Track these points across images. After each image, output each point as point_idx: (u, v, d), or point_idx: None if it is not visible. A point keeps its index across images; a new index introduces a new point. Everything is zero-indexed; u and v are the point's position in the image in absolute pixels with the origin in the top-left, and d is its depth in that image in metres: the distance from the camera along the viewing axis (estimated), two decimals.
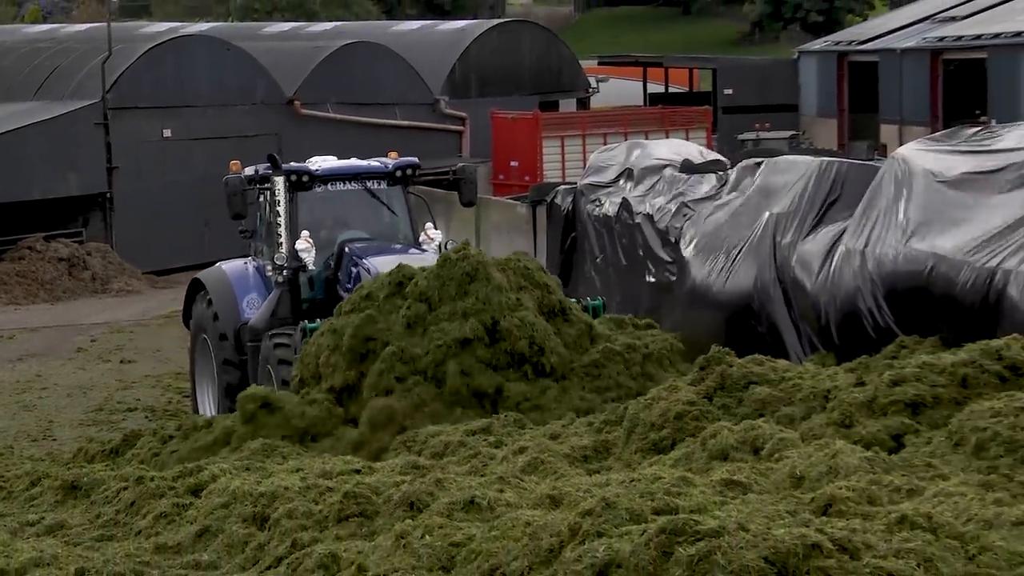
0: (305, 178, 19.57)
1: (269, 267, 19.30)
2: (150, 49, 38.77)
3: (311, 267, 18.79)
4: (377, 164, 20.53)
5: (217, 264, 20.93)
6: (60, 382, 24.18)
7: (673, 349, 16.65)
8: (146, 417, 21.16)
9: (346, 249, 18.83)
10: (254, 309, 19.25)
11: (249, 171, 20.12)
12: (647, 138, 37.24)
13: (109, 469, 13.63)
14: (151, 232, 36.84)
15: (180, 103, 37.96)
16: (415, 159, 21.08)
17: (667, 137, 40.10)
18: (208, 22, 61.63)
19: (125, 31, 47.03)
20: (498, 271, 15.90)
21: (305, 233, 19.04)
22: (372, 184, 20.16)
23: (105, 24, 41.52)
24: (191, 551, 9.18)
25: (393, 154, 20.87)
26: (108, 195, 36.90)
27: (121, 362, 25.90)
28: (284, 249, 18.92)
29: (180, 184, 37.65)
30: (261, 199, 20.11)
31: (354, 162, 20.59)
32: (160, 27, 53.39)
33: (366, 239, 19.50)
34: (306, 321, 17.75)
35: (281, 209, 19.09)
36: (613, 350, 15.90)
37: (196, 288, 20.55)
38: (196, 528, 9.47)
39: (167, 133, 37.74)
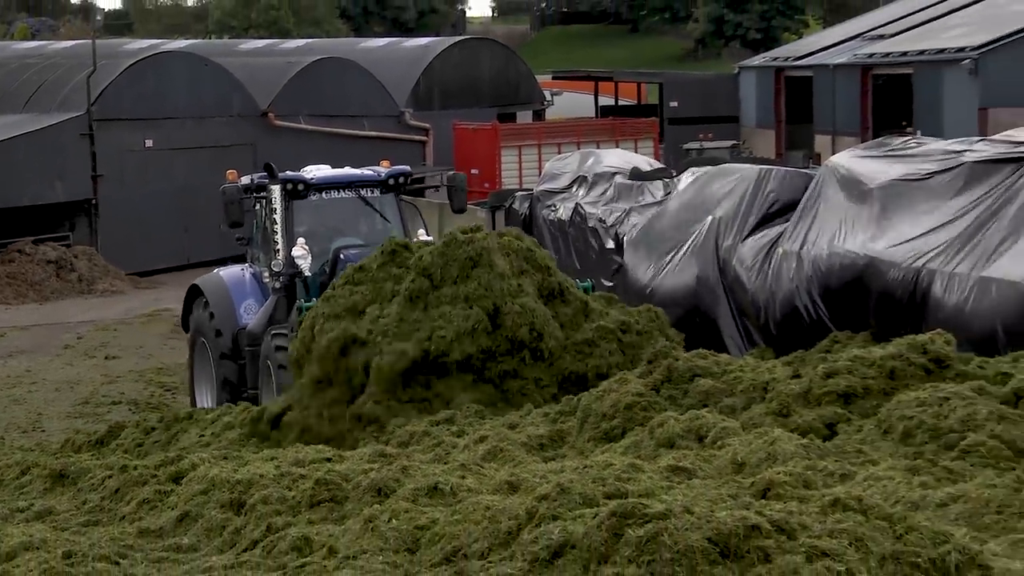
0: (301, 187, 19.14)
1: (266, 274, 18.97)
2: (132, 64, 38.64)
3: (307, 273, 18.30)
4: (370, 173, 20.14)
5: (215, 271, 20.53)
6: (48, 377, 24.07)
7: (660, 318, 16.12)
8: (129, 410, 21.07)
9: (341, 255, 18.35)
10: (251, 315, 18.92)
11: (245, 180, 19.64)
12: (599, 148, 37.27)
13: (95, 458, 13.54)
14: (134, 236, 36.72)
15: (161, 115, 37.85)
16: (407, 168, 20.80)
17: (617, 147, 40.13)
18: (187, 39, 61.43)
19: (109, 48, 46.80)
20: (501, 256, 15.40)
21: (301, 240, 18.58)
22: (365, 192, 19.75)
23: (90, 41, 41.35)
24: (172, 535, 9.14)
25: (385, 163, 20.54)
26: (93, 201, 36.78)
27: (106, 358, 25.80)
28: (281, 256, 18.50)
29: (161, 191, 37.57)
30: (257, 207, 19.61)
31: (348, 171, 20.20)
32: (142, 44, 53.19)
33: (360, 245, 18.86)
34: (302, 300, 17.48)
35: (278, 217, 18.69)
36: (606, 328, 15.32)
37: (194, 294, 20.12)
38: (177, 513, 9.43)
39: (149, 143, 37.63)
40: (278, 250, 18.56)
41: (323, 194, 19.43)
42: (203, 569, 7.83)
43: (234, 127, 39.30)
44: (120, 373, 24.23)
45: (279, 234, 18.62)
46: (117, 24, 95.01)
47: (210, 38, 72.55)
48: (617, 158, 27.30)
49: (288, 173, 19.42)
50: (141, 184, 37.38)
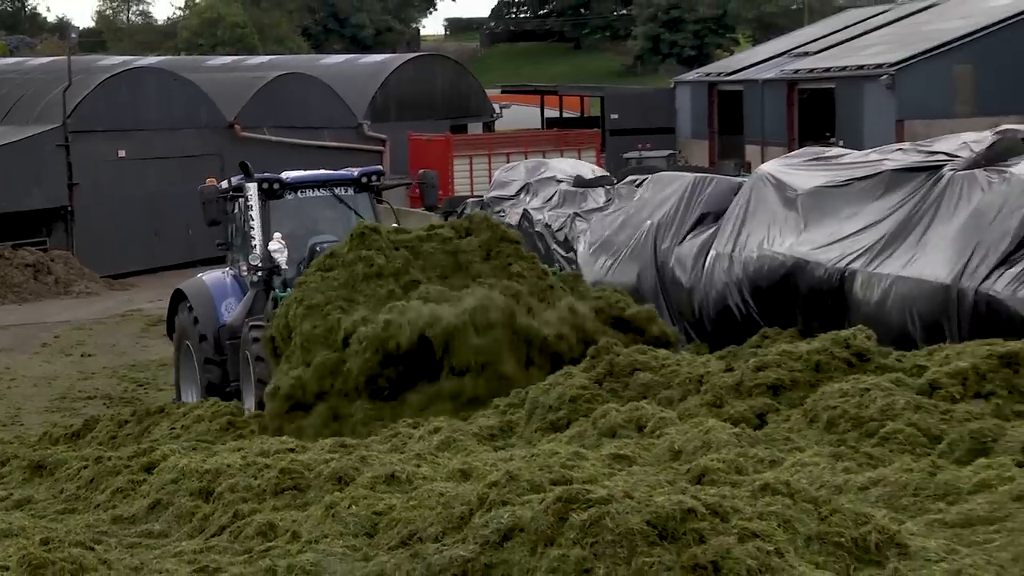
0: (276, 185, 18.56)
1: (244, 267, 18.35)
2: (106, 79, 38.44)
3: (284, 266, 17.70)
4: (344, 172, 19.60)
5: (198, 275, 19.87)
6: (27, 374, 23.87)
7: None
8: (104, 404, 20.92)
9: (317, 249, 17.49)
10: (232, 312, 18.34)
11: (226, 184, 19.14)
12: (544, 157, 37.32)
13: (71, 450, 13.46)
14: (108, 241, 36.52)
15: (133, 127, 37.68)
16: (380, 167, 20.27)
17: (562, 156, 40.19)
18: (158, 55, 61.05)
19: (84, 63, 46.46)
20: (483, 261, 15.50)
21: (277, 235, 17.99)
22: (340, 191, 19.09)
23: (66, 57, 41.09)
24: (144, 521, 9.09)
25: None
26: (69, 208, 36.61)
27: (81, 356, 25.62)
28: (258, 250, 17.90)
29: (133, 198, 37.40)
30: (236, 210, 18.98)
31: (322, 171, 19.79)
32: (115, 60, 52.82)
33: (335, 241, 17.69)
34: (276, 290, 17.08)
35: (254, 213, 18.10)
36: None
37: (178, 299, 19.45)
38: (149, 501, 9.39)
39: (122, 153, 37.43)
40: (255, 245, 17.99)
41: (298, 193, 18.89)
42: (174, 553, 7.78)
43: (202, 138, 39.15)
44: (95, 370, 24.07)
45: (256, 229, 18.05)
46: (91, 41, 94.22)
47: (179, 54, 72.11)
48: (562, 167, 27.36)
49: (264, 173, 18.91)
50: (114, 192, 37.17)
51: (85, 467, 11.51)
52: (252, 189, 18.20)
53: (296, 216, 18.78)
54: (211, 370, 18.09)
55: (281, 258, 17.74)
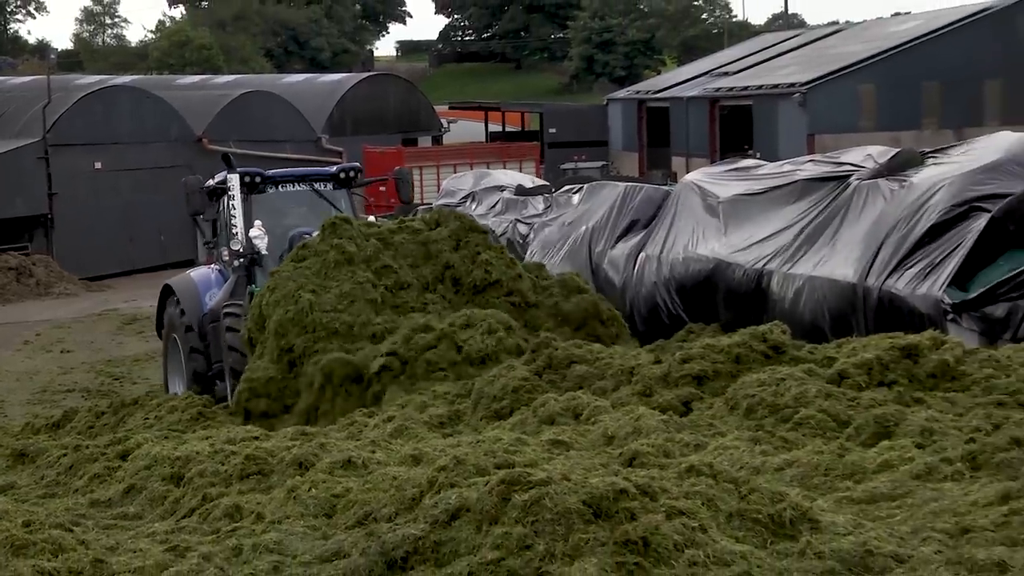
0: (258, 179, 17.83)
1: (226, 253, 17.55)
2: (83, 97, 38.08)
3: (264, 252, 16.84)
4: (323, 168, 18.85)
5: (186, 272, 19.00)
6: (10, 369, 23.59)
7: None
8: (82, 397, 20.70)
9: (296, 239, 16.70)
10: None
11: (211, 181, 18.26)
12: (488, 168, 37.29)
13: (51, 439, 13.33)
14: (85, 246, 36.22)
15: (108, 141, 37.35)
16: (357, 164, 19.57)
17: (504, 167, 40.21)
18: (131, 75, 60.45)
19: (62, 82, 45.98)
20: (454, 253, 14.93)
21: (258, 223, 17.16)
22: (319, 186, 18.30)
23: (46, 77, 40.66)
24: (120, 505, 9.01)
25: None
26: (49, 216, 36.27)
27: (61, 352, 25.35)
28: (240, 236, 17.10)
29: (109, 206, 37.10)
30: (220, 207, 18.07)
31: (302, 168, 19.03)
32: (91, 79, 52.27)
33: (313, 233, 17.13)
34: (254, 285, 16.42)
35: (236, 203, 17.28)
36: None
37: (166, 294, 18.58)
38: (124, 486, 9.30)
39: (98, 165, 37.10)
40: (236, 232, 17.22)
41: (279, 188, 18.17)
42: (147, 534, 7.71)
43: (172, 151, 38.88)
44: (74, 365, 23.82)
45: (237, 217, 17.31)
46: (69, 62, 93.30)
47: (151, 74, 71.49)
48: (505, 177, 27.38)
49: (247, 168, 18.28)
50: (91, 201, 36.86)
51: (64, 455, 11.40)
52: (235, 180, 17.55)
53: (277, 210, 18.09)
54: (196, 359, 17.30)
55: (261, 244, 17.02)
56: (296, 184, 18.32)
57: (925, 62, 43.73)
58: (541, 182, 28.35)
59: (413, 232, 15.37)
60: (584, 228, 20.13)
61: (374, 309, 14.10)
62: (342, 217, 15.40)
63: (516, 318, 14.05)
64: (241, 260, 17.06)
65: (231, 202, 17.47)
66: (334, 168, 18.65)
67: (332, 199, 18.32)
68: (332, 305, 13.99)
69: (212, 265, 18.43)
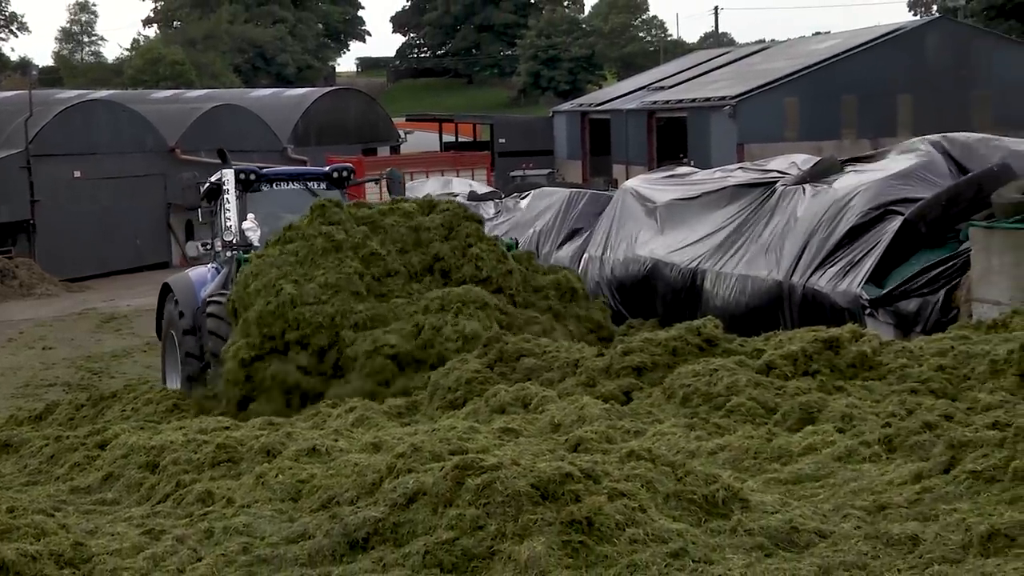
0: (252, 176, 16.94)
1: (218, 243, 16.60)
2: (63, 110, 37.69)
3: (256, 244, 15.80)
4: (317, 168, 17.95)
5: (185, 271, 17.89)
6: None
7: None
8: (63, 390, 20.47)
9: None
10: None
11: (213, 178, 17.34)
12: (443, 176, 37.25)
13: (34, 430, 13.15)
14: (66, 249, 35.85)
15: (87, 151, 36.97)
16: (351, 164, 18.64)
17: (457, 175, 40.16)
18: (108, 90, 59.87)
19: (43, 96, 45.47)
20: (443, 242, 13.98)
21: (251, 216, 16.31)
22: (312, 185, 17.35)
23: (27, 91, 40.23)
24: (99, 491, 8.91)
25: None
26: (32, 221, 35.88)
27: (43, 349, 25.05)
28: (233, 228, 16.18)
29: (88, 212, 36.75)
30: (217, 207, 17.14)
31: (297, 167, 18.00)
32: (71, 93, 51.72)
33: None
34: (240, 251, 15.47)
35: (230, 196, 16.37)
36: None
37: (165, 292, 17.47)
38: (102, 474, 9.20)
39: (77, 174, 36.72)
40: (230, 224, 16.28)
41: (273, 186, 17.28)
42: (124, 518, 7.64)
43: (147, 160, 38.56)
44: (55, 361, 23.55)
45: (231, 211, 16.36)
46: (49, 78, 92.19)
47: (127, 89, 70.79)
48: (458, 183, 27.37)
49: (243, 165, 17.51)
50: (71, 207, 36.49)
51: (46, 445, 11.26)
52: (229, 175, 16.69)
53: (270, 208, 17.11)
54: (190, 363, 16.06)
55: (254, 236, 16.20)
56: (290, 183, 17.52)
57: (844, 78, 44.12)
58: (491, 189, 28.33)
59: (405, 215, 14.42)
60: (531, 231, 20.13)
61: (359, 300, 13.28)
62: (332, 200, 14.42)
63: (499, 318, 13.13)
64: (234, 252, 16.10)
65: (225, 196, 16.68)
66: (327, 168, 17.90)
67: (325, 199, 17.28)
68: (315, 296, 13.19)
69: (210, 265, 17.49)
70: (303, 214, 14.81)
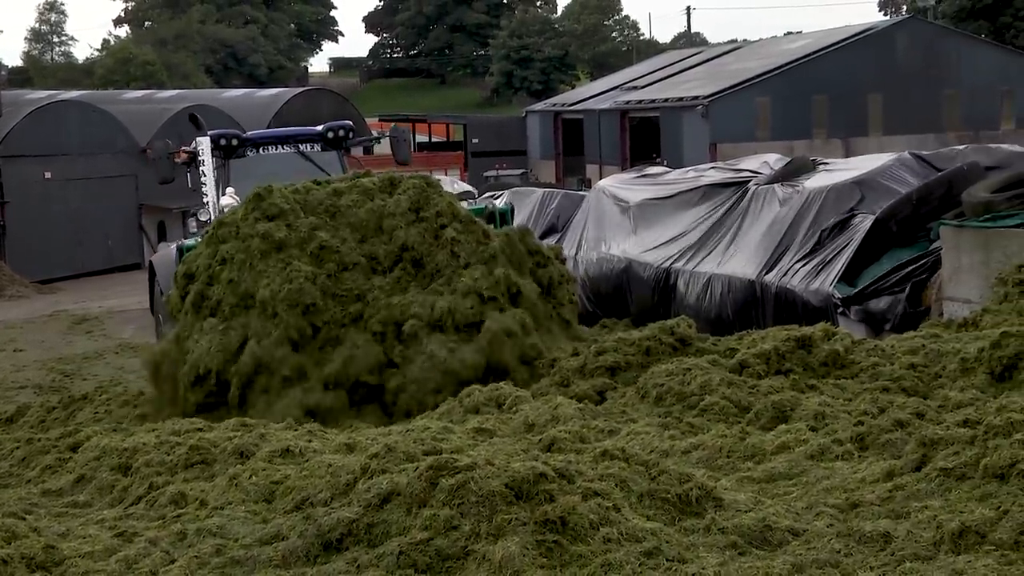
0: (234, 141, 15.30)
1: (194, 224, 15.02)
2: (33, 111, 37.44)
3: None
4: (310, 128, 16.19)
5: (170, 246, 16.38)
6: None
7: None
8: (34, 392, 20.30)
9: None
10: None
11: (190, 147, 15.72)
12: (431, 174, 37.18)
13: (5, 433, 13.07)
14: (36, 250, 35.63)
15: (58, 152, 36.76)
16: (349, 122, 16.62)
17: (431, 175, 40.11)
18: (79, 90, 59.52)
19: (13, 97, 45.19)
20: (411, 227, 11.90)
21: (231, 190, 14.46)
22: (306, 147, 15.71)
23: None
24: (71, 494, 8.86)
25: None
26: (2, 223, 35.64)
27: (14, 351, 24.86)
28: (210, 206, 14.61)
29: (59, 213, 36.53)
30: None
31: (288, 128, 16.14)
32: (41, 94, 51.40)
33: None
34: (184, 240, 13.89)
35: (207, 168, 14.80)
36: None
37: (152, 273, 15.93)
38: (74, 476, 9.15)
39: (48, 175, 36.49)
40: (207, 201, 14.73)
41: (260, 151, 15.61)
42: (96, 521, 7.59)
43: (118, 161, 38.37)
44: (26, 363, 23.38)
45: (208, 185, 14.81)
46: (19, 78, 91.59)
47: (98, 89, 70.39)
48: (445, 182, 27.34)
49: (221, 129, 15.86)
50: (42, 208, 36.27)
51: (17, 447, 11.19)
52: (205, 143, 15.08)
53: (261, 175, 15.03)
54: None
55: None
56: (279, 146, 15.80)
57: (815, 77, 44.32)
58: (466, 187, 28.33)
59: (364, 193, 12.27)
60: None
61: (313, 315, 11.40)
62: (269, 188, 12.21)
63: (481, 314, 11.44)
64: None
65: (201, 167, 15.11)
66: (321, 127, 16.03)
67: (321, 163, 15.79)
68: (239, 337, 11.31)
69: (198, 238, 15.29)
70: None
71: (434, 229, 11.92)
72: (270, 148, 15.75)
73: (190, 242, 13.09)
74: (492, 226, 13.42)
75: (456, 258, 11.78)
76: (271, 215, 11.81)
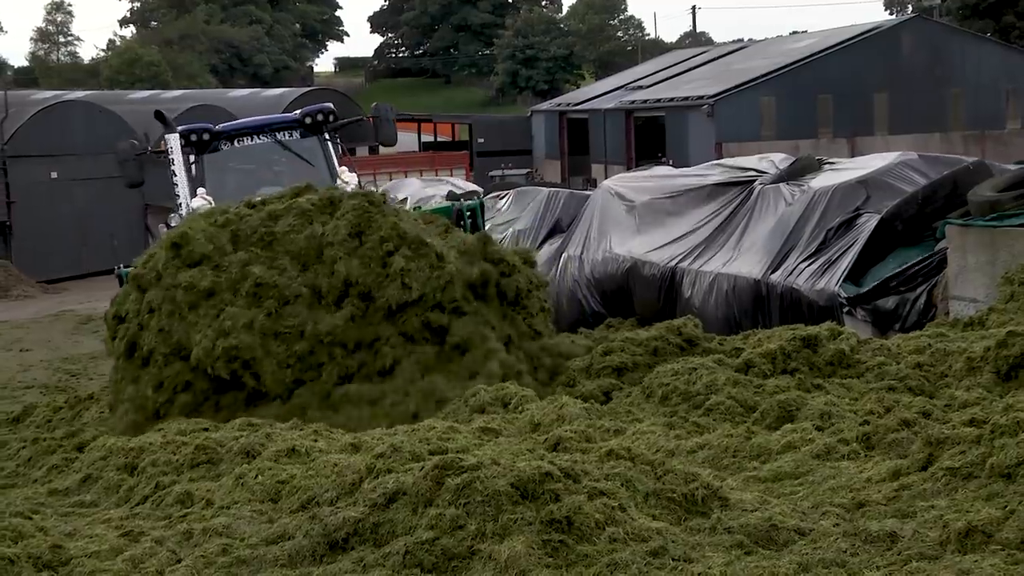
0: (206, 136, 14.23)
1: (163, 229, 13.89)
2: (39, 111, 37.54)
3: None
4: (287, 115, 15.23)
5: None
6: None
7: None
8: (41, 392, 20.32)
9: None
10: None
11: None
12: (421, 176, 37.22)
13: (12, 432, 13.08)
14: (42, 250, 35.72)
15: (63, 152, 36.85)
16: (329, 105, 15.31)
17: (436, 175, 40.14)
18: (84, 91, 59.60)
19: (18, 97, 45.23)
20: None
21: (202, 191, 13.69)
22: (284, 135, 14.62)
23: (2, 92, 40.02)
24: (77, 493, 8.87)
25: None
26: (8, 223, 35.73)
27: (20, 351, 24.90)
28: (183, 208, 13.63)
29: (64, 214, 36.62)
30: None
31: (263, 116, 15.40)
32: (46, 94, 51.46)
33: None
34: (121, 266, 12.89)
35: (177, 168, 13.85)
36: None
37: None
38: (81, 476, 9.16)
39: (54, 175, 36.59)
40: (180, 203, 13.84)
41: (235, 143, 14.59)
42: (103, 520, 7.60)
43: None
44: (32, 363, 23.41)
45: (180, 186, 13.85)
46: (25, 78, 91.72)
47: (103, 89, 70.47)
48: (449, 184, 27.44)
49: (191, 124, 14.90)
50: (48, 208, 36.35)
51: (24, 447, 11.21)
52: (173, 140, 14.16)
53: (239, 169, 14.67)
54: None
55: None
56: (255, 137, 14.80)
57: (820, 77, 44.30)
58: (472, 187, 28.36)
59: (302, 215, 11.12)
60: (512, 230, 20.12)
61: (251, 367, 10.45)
62: (186, 230, 11.06)
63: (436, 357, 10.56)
64: None
65: (171, 167, 14.13)
66: (298, 113, 15.05)
67: (301, 151, 14.86)
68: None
69: None
70: (276, 177, 12.36)
71: (380, 257, 10.76)
72: (245, 140, 14.74)
73: (126, 270, 11.99)
74: (462, 225, 12.76)
75: (408, 290, 10.64)
76: (192, 262, 10.85)
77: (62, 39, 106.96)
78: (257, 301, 10.57)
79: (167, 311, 10.68)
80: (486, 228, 13.85)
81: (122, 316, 11.22)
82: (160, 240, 11.49)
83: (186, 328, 10.59)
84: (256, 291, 10.61)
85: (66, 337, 26.40)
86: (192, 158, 14.46)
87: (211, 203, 13.24)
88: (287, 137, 14.81)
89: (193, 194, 13.97)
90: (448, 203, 13.85)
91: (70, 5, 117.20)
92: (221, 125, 14.81)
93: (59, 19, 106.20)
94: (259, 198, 11.77)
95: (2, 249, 35.80)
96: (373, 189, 14.65)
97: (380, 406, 10.23)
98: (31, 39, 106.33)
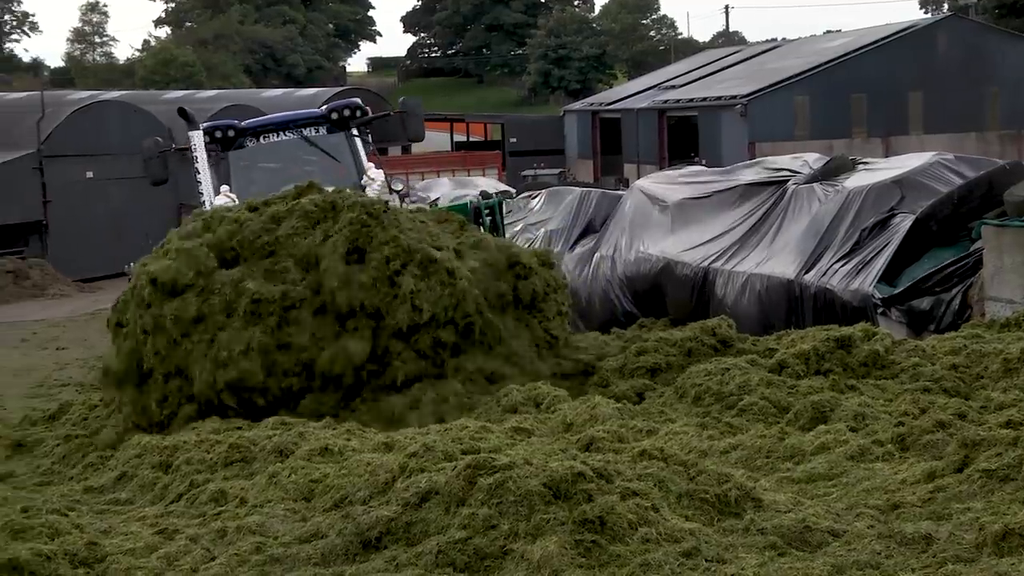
0: (231, 132, 14.02)
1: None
2: (75, 111, 37.81)
3: None
4: (312, 110, 14.95)
5: None
6: (8, 365, 23.32)
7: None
8: (76, 391, 20.47)
9: None
10: None
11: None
12: (454, 176, 37.26)
13: (48, 431, 13.19)
14: (78, 249, 35.98)
15: (98, 152, 37.11)
16: (356, 100, 15.01)
17: (468, 175, 40.17)
18: (120, 91, 59.99)
19: (55, 98, 45.54)
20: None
21: (225, 188, 13.49)
22: (310, 131, 14.35)
23: (39, 92, 40.38)
24: (112, 491, 8.94)
25: None
26: (44, 222, 36.03)
27: (56, 349, 25.09)
28: (207, 206, 13.19)
29: (99, 213, 36.88)
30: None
31: (289, 112, 15.16)
32: (83, 94, 51.81)
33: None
34: (131, 264, 12.96)
35: (201, 165, 13.77)
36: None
37: None
38: (116, 474, 9.23)
39: (89, 175, 36.86)
40: (203, 201, 13.63)
41: (260, 139, 14.33)
42: (138, 518, 7.66)
43: None
44: (68, 361, 23.59)
45: (204, 184, 13.75)
46: (61, 79, 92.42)
47: (138, 90, 70.92)
48: (485, 183, 27.49)
49: (215, 121, 14.76)
50: (83, 207, 36.63)
51: (59, 445, 11.30)
52: (197, 137, 14.03)
53: (265, 166, 14.40)
54: None
55: None
56: (281, 133, 14.48)
57: (854, 76, 44.03)
58: (504, 187, 28.38)
59: (304, 218, 10.73)
60: (543, 230, 20.12)
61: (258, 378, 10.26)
62: (167, 267, 10.59)
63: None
64: None
65: (195, 165, 14.01)
66: (325, 108, 14.76)
67: (328, 147, 14.51)
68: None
69: None
70: (302, 173, 12.19)
71: (386, 277, 10.31)
72: (271, 136, 14.45)
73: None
74: (480, 223, 12.51)
75: (419, 312, 10.27)
76: (175, 292, 10.49)
77: (98, 40, 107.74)
78: (256, 319, 10.26)
79: (161, 342, 10.47)
80: (504, 226, 13.58)
81: (122, 324, 11.11)
82: (136, 271, 11.09)
83: (183, 355, 10.41)
84: (253, 308, 10.28)
85: (102, 336, 26.50)
86: (219, 155, 14.29)
87: (234, 200, 13.00)
88: (313, 133, 14.53)
89: (217, 191, 13.73)
90: (463, 201, 13.54)
91: (105, 6, 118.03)
92: (246, 122, 14.65)
93: (95, 20, 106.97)
94: (262, 199, 11.49)
95: (38, 248, 36.11)
96: (401, 186, 14.52)
97: (390, 421, 10.10)
98: (67, 39, 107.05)
